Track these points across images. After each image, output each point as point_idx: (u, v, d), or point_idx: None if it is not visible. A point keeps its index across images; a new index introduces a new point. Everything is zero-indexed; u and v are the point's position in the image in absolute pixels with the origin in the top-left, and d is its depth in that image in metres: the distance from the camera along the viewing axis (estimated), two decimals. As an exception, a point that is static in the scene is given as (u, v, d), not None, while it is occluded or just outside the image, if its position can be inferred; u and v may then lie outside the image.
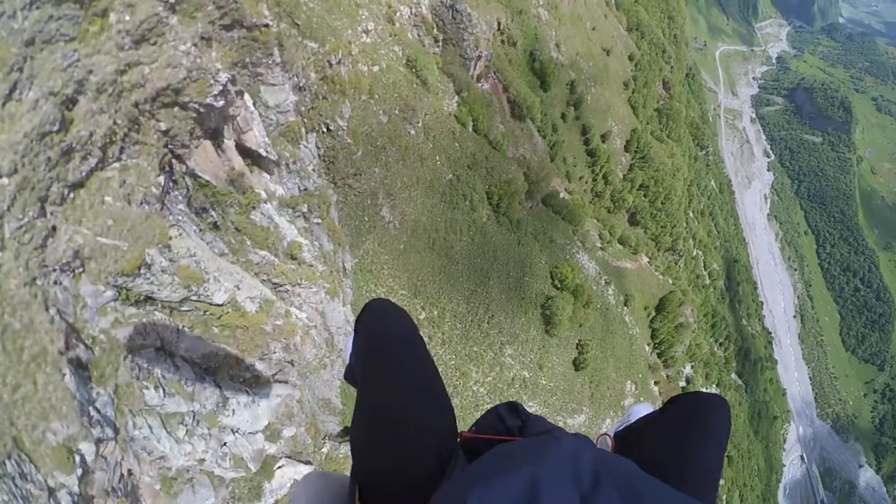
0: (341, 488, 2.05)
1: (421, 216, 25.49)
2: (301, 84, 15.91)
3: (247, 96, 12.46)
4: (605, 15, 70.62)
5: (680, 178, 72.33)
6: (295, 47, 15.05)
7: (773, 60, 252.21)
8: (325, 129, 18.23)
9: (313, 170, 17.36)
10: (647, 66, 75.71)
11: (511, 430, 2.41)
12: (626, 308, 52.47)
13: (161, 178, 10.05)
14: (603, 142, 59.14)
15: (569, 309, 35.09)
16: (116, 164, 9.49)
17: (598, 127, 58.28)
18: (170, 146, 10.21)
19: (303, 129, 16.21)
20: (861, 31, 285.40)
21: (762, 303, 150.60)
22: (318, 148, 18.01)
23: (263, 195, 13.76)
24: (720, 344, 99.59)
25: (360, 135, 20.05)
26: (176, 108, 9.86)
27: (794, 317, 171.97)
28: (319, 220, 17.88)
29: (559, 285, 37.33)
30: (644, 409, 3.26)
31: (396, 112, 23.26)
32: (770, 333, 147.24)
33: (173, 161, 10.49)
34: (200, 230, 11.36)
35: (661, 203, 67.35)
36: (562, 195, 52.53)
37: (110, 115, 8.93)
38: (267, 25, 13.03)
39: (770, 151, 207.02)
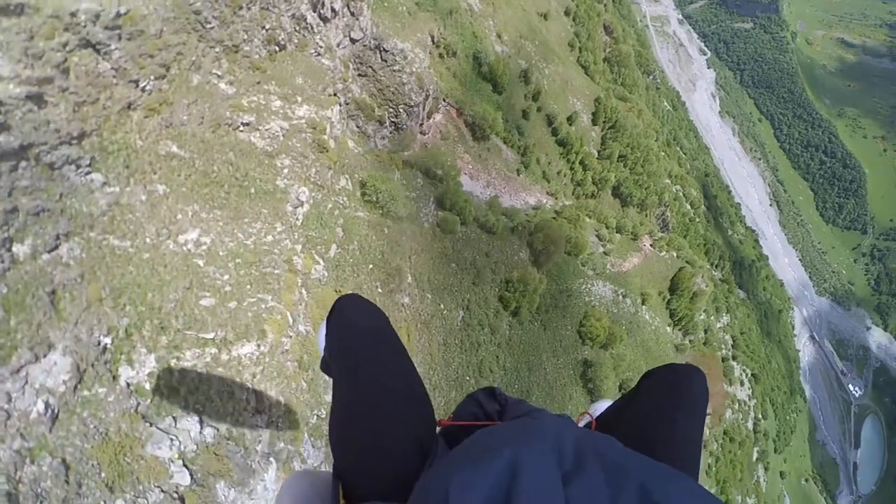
0: (326, 486, 1.93)
1: (451, 392, 19.48)
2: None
3: None
4: (530, -26, 64.07)
5: (651, 132, 67.33)
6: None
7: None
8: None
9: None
10: (584, 17, 70.87)
11: (490, 415, 2.18)
12: (643, 307, 48.14)
13: None
14: (570, 125, 53.37)
15: (612, 376, 29.94)
16: None
17: (561, 111, 52.52)
18: None
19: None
20: None
21: (739, 204, 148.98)
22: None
23: None
24: (716, 266, 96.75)
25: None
26: None
27: (771, 205, 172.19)
28: None
29: (591, 342, 32.15)
30: (603, 407, 3.05)
31: (379, 290, 16.82)
32: (754, 231, 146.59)
33: None
34: None
35: (642, 166, 62.31)
36: (546, 204, 47.50)
37: None
38: None
39: (705, 49, 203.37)
